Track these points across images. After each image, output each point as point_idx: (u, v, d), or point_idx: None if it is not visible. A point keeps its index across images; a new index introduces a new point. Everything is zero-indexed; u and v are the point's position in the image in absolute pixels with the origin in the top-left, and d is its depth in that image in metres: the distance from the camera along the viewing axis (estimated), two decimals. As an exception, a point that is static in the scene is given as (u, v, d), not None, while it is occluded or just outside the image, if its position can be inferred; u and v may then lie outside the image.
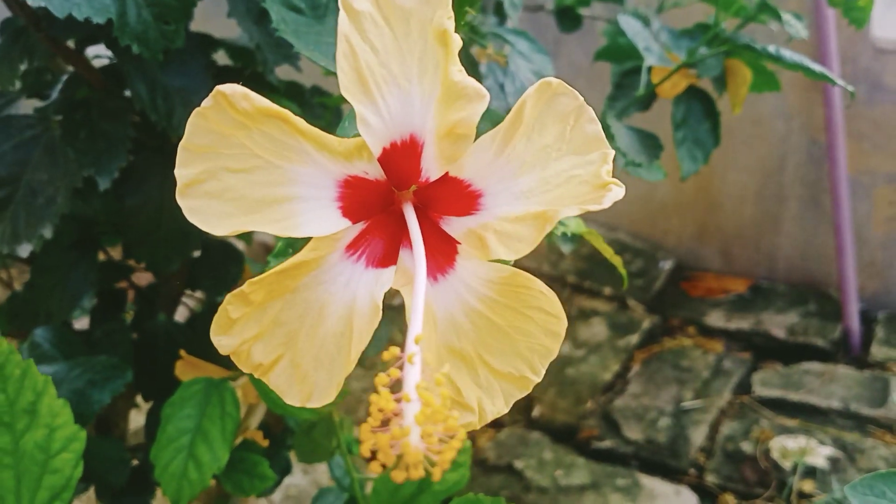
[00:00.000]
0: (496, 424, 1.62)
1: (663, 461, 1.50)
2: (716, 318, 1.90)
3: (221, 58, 0.84)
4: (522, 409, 1.67)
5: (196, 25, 0.80)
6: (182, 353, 0.75)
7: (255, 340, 0.35)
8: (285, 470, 0.80)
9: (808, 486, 1.40)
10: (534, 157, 0.33)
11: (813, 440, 1.49)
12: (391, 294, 0.36)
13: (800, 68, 0.82)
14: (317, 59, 0.43)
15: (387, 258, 0.36)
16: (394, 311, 0.49)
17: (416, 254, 0.34)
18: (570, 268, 2.03)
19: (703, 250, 2.08)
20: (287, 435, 0.80)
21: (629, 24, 0.89)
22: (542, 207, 0.33)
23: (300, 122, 0.32)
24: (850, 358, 1.75)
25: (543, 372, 0.35)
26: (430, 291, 0.35)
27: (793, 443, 1.49)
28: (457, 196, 0.35)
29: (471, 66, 0.79)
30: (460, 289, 0.35)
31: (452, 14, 0.32)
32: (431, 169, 0.35)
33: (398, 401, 0.30)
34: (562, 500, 1.41)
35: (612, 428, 1.59)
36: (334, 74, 0.33)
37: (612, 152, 0.33)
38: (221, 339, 0.34)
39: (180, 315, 0.95)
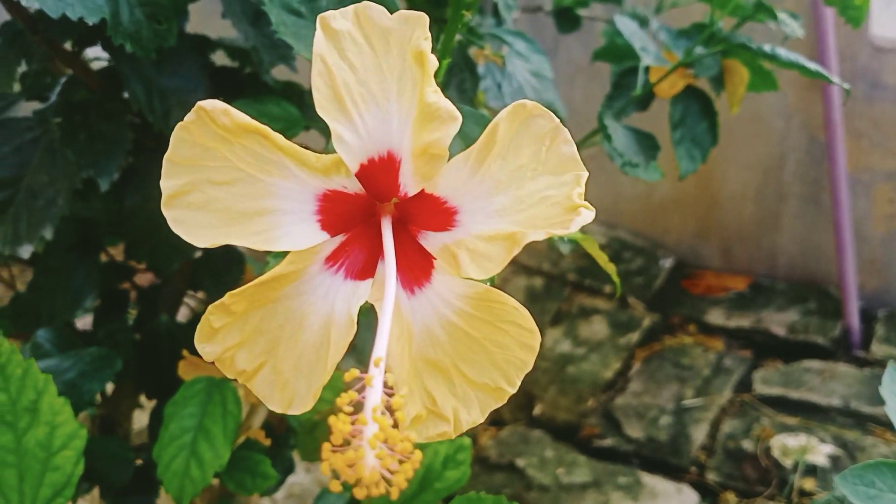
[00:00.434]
0: (497, 423, 1.62)
1: (664, 459, 1.50)
2: (716, 316, 1.90)
3: (221, 58, 0.84)
4: (523, 407, 1.67)
5: (195, 25, 0.81)
6: (184, 352, 0.76)
7: (238, 348, 0.35)
8: (288, 469, 0.81)
9: (808, 483, 1.40)
10: (508, 177, 0.33)
11: (814, 438, 1.49)
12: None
13: (796, 67, 0.82)
14: (316, 61, 0.44)
15: (366, 270, 0.36)
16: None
17: (388, 276, 0.35)
18: (571, 266, 2.03)
19: (704, 248, 2.08)
20: (290, 434, 0.80)
21: (625, 25, 0.89)
22: (514, 227, 0.33)
23: (279, 138, 0.32)
24: (851, 356, 1.75)
25: (518, 383, 0.36)
26: (406, 303, 0.36)
27: (793, 441, 1.49)
28: (434, 212, 0.35)
29: (469, 66, 0.79)
30: (437, 302, 0.36)
31: (429, 35, 0.32)
32: (409, 184, 0.35)
33: (354, 423, 0.31)
34: (563, 499, 1.42)
35: (613, 426, 1.59)
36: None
37: (586, 174, 0.33)
38: (205, 347, 0.35)
39: (182, 315, 0.95)
